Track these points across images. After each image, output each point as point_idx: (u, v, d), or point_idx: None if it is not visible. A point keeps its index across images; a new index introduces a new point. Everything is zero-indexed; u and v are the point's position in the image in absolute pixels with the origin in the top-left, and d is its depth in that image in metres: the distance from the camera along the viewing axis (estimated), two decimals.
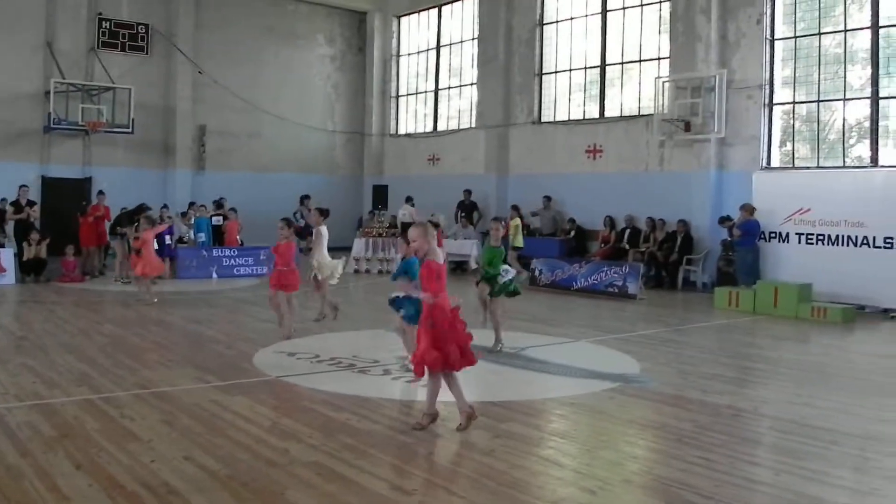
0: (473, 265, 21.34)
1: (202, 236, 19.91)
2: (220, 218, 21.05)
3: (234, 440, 6.40)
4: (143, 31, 24.99)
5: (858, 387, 9.02)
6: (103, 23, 24.25)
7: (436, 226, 7.22)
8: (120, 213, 18.96)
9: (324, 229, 11.70)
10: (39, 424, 6.74)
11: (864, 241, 15.03)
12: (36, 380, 8.39)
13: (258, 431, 6.66)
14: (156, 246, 15.94)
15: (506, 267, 10.58)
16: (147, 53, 25.16)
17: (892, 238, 14.66)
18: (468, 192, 23.96)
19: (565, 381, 8.96)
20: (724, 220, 17.59)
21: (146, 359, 9.73)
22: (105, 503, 5.05)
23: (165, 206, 20.57)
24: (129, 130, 23.51)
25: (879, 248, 14.81)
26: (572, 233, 21.55)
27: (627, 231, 20.32)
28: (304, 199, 22.94)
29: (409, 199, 23.79)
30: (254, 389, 8.16)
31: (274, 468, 5.76)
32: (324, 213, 12.15)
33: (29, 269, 17.39)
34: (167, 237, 19.07)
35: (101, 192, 20.03)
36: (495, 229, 10.71)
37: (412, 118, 28.91)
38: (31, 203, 19.04)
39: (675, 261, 18.84)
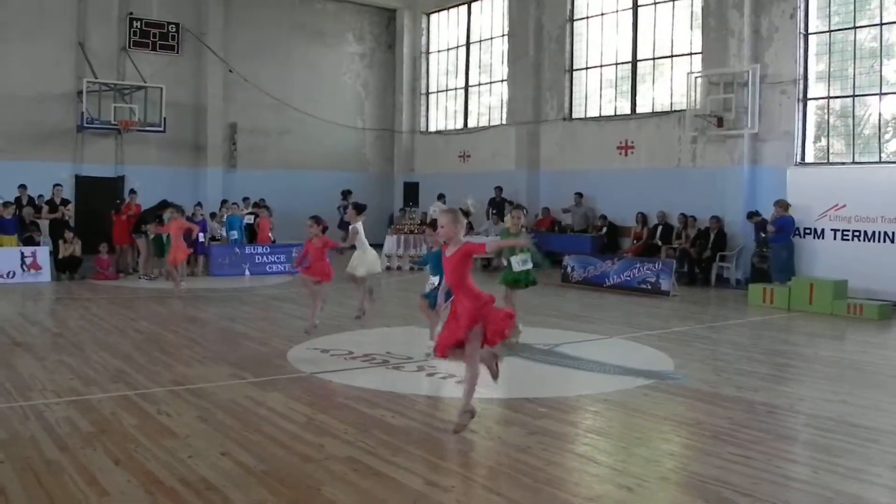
0: (504, 262, 21.32)
1: (235, 234, 20.03)
2: (253, 216, 21.19)
3: (270, 436, 6.43)
4: (174, 30, 25.20)
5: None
6: (134, 22, 24.49)
7: (466, 214, 7.06)
8: (143, 211, 19.06)
9: (359, 226, 11.56)
10: (77, 420, 6.81)
11: None
12: (73, 376, 8.48)
13: (293, 427, 6.69)
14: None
15: (524, 257, 10.48)
16: (178, 52, 25.36)
17: None
18: (499, 189, 23.94)
19: (599, 378, 8.93)
20: (752, 216, 17.44)
21: (181, 355, 9.80)
22: (144, 499, 5.08)
23: (199, 205, 20.69)
24: (161, 129, 23.72)
25: None
26: (604, 229, 21.45)
27: (660, 227, 20.21)
28: (347, 193, 23.11)
29: (440, 197, 23.79)
30: (288, 386, 8.20)
31: (310, 464, 5.78)
32: (359, 209, 11.97)
33: (64, 267, 17.58)
34: (200, 234, 19.23)
35: (132, 191, 20.21)
36: (515, 216, 10.69)
37: (442, 115, 28.92)
38: (65, 202, 19.24)
39: (708, 257, 18.70)
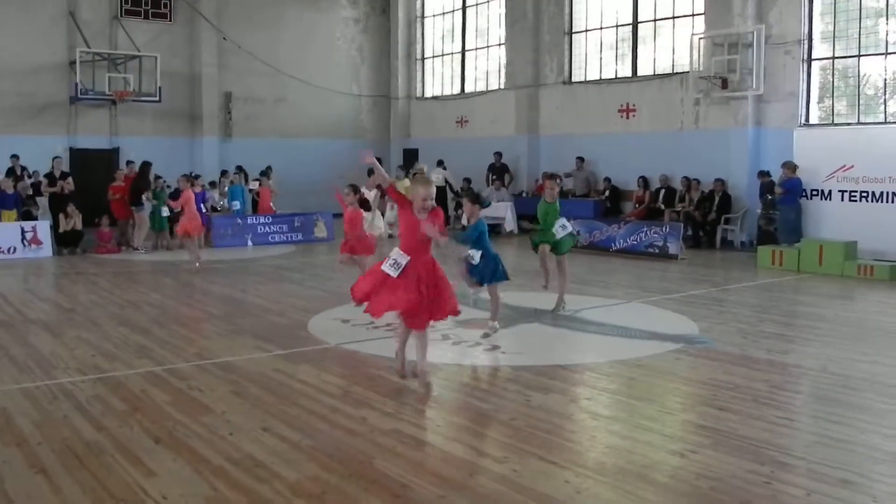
0: (508, 228, 21.26)
1: (237, 204, 19.84)
2: (257, 183, 21.01)
3: (309, 409, 6.33)
4: None
5: None
6: None
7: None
8: (135, 181, 18.46)
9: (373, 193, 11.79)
10: (108, 398, 6.69)
11: None
12: (95, 352, 8.34)
13: (331, 400, 6.59)
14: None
15: (563, 222, 10.36)
16: (170, 20, 24.98)
17: None
18: (499, 155, 23.77)
19: (628, 343, 8.85)
20: (762, 174, 17.35)
21: (201, 328, 9.69)
22: (193, 478, 4.97)
23: (197, 176, 20.44)
24: (157, 99, 23.37)
25: None
26: (607, 193, 21.33)
27: (662, 191, 20.11)
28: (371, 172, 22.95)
29: (440, 163, 23.64)
30: (316, 357, 8.09)
31: (356, 437, 5.69)
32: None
33: (65, 242, 17.37)
34: (201, 205, 19.04)
35: (129, 162, 19.99)
36: (550, 186, 10.57)
37: (439, 80, 28.62)
38: (64, 175, 18.98)
39: (713, 220, 18.63)
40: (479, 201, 9.34)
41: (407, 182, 17.98)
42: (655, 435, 5.77)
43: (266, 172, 21.61)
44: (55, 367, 7.71)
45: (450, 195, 22.82)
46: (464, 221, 9.99)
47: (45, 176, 18.86)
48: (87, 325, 9.79)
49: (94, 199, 19.82)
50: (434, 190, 6.72)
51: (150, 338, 9.05)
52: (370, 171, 13.64)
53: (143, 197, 17.89)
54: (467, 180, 23.04)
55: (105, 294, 12.26)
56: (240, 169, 21.67)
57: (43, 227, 17.17)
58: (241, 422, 6.04)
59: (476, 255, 8.76)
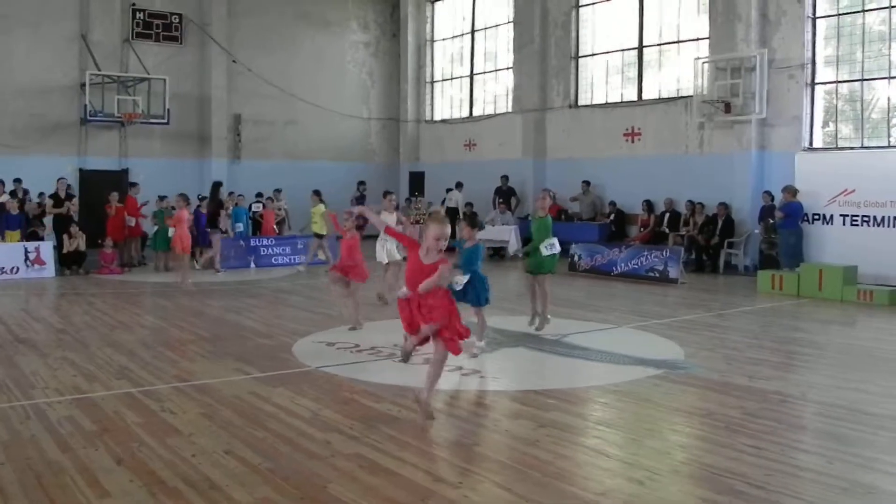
0: (511, 252, 21.23)
1: (240, 226, 19.94)
2: (261, 206, 21.12)
3: (275, 432, 6.34)
4: (177, 20, 25.09)
5: None
6: (137, 13, 24.38)
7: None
8: (213, 203, 19.00)
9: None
10: (80, 419, 6.72)
11: None
12: (76, 373, 8.39)
13: (299, 423, 6.59)
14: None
15: (552, 241, 10.39)
16: (181, 43, 25.26)
17: None
18: (505, 178, 23.81)
19: (609, 369, 8.82)
20: (767, 195, 17.30)
21: (186, 350, 9.71)
22: (146, 499, 4.98)
23: (204, 197, 20.57)
24: (165, 121, 23.60)
25: None
26: (612, 216, 21.31)
27: (667, 215, 20.07)
28: (360, 184, 23.26)
29: (458, 185, 23.95)
30: (294, 380, 8.10)
31: (315, 461, 5.69)
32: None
33: (69, 262, 17.51)
34: (207, 227, 19.16)
35: (133, 184, 20.19)
36: (542, 199, 10.65)
37: (447, 104, 28.76)
38: (69, 196, 19.15)
39: (716, 244, 18.57)
40: (477, 225, 9.46)
41: (322, 208, 18.22)
42: (617, 462, 5.73)
43: (272, 195, 21.71)
44: (34, 388, 7.75)
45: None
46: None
47: (51, 196, 19.02)
48: (74, 346, 9.84)
49: (102, 220, 19.94)
50: (448, 230, 6.57)
51: (134, 359, 9.09)
52: (385, 193, 13.93)
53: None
54: (469, 205, 23.14)
55: (98, 315, 12.33)
56: (318, 192, 21.78)
57: (46, 248, 17.31)
58: (205, 444, 6.05)
59: (462, 281, 8.81)
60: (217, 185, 19.60)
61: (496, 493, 5.12)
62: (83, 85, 22.76)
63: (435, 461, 5.72)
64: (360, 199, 23.66)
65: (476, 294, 9.04)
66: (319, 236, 18.14)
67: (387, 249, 12.92)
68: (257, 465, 5.60)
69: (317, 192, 19.21)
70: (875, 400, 7.46)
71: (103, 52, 23.63)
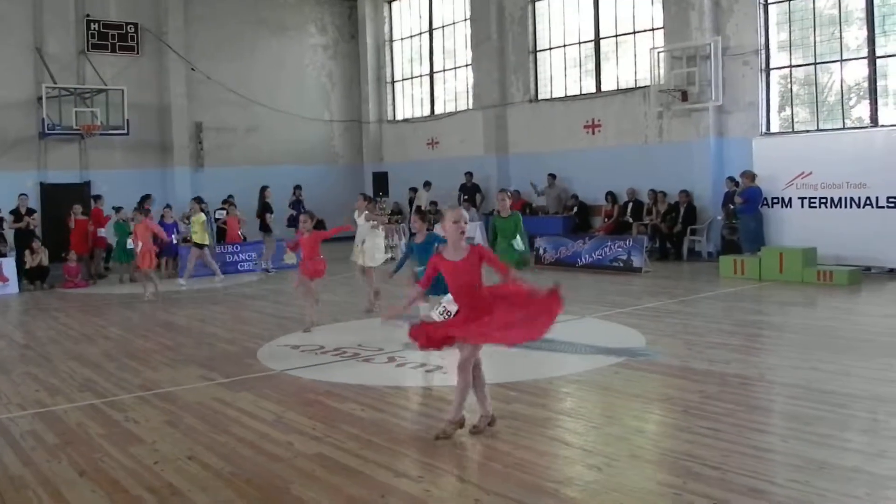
0: None
1: None
2: (224, 212, 21.03)
3: (238, 437, 6.37)
4: (133, 30, 24.87)
5: (866, 348, 8.93)
6: (91, 24, 24.13)
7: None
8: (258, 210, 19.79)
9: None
10: (42, 433, 6.72)
11: (868, 202, 14.87)
12: (39, 388, 8.37)
13: (262, 427, 6.63)
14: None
15: (517, 240, 10.53)
16: (138, 53, 25.05)
17: (895, 197, 14.52)
18: (469, 175, 23.89)
19: (571, 359, 8.91)
20: (730, 180, 17.49)
21: (150, 360, 9.69)
22: None
23: (168, 206, 20.48)
24: (125, 132, 23.42)
25: (882, 207, 14.66)
26: (575, 209, 21.44)
27: (630, 205, 20.23)
28: (297, 188, 23.35)
29: (427, 184, 24.12)
30: (258, 384, 8.13)
31: (278, 463, 5.73)
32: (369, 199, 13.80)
33: (32, 277, 17.37)
34: (173, 236, 19.08)
35: (97, 197, 20.09)
36: (501, 199, 10.74)
37: (409, 103, 28.77)
38: (30, 211, 19.01)
39: (679, 232, 18.75)
40: (428, 219, 9.58)
41: (202, 217, 17.77)
42: (576, 450, 5.82)
43: (228, 200, 21.59)
44: None
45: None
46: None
47: (11, 212, 18.86)
48: (38, 361, 9.80)
49: (64, 234, 19.78)
50: (463, 213, 6.22)
51: (98, 371, 9.08)
52: (366, 197, 13.84)
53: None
54: (434, 203, 23.28)
55: (63, 329, 12.26)
56: (199, 200, 21.62)
57: (9, 264, 17.17)
58: (168, 451, 6.07)
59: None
60: (263, 189, 20.39)
61: (457, 486, 5.19)
62: (40, 98, 22.54)
63: (396, 457, 5.77)
64: (296, 204, 23.65)
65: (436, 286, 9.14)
66: (200, 246, 17.55)
67: (365, 251, 12.66)
68: (220, 469, 5.63)
69: (197, 199, 18.89)
70: (831, 378, 7.59)
71: (59, 64, 23.43)
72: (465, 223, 6.06)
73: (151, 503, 5.06)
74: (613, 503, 4.83)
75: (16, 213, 18.83)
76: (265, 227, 19.62)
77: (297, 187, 23.59)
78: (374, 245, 12.63)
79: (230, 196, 22.09)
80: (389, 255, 18.64)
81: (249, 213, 21.24)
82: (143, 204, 17.88)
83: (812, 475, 5.14)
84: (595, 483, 5.15)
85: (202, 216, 17.87)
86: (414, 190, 24.85)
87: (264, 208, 20.07)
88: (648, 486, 5.06)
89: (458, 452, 5.88)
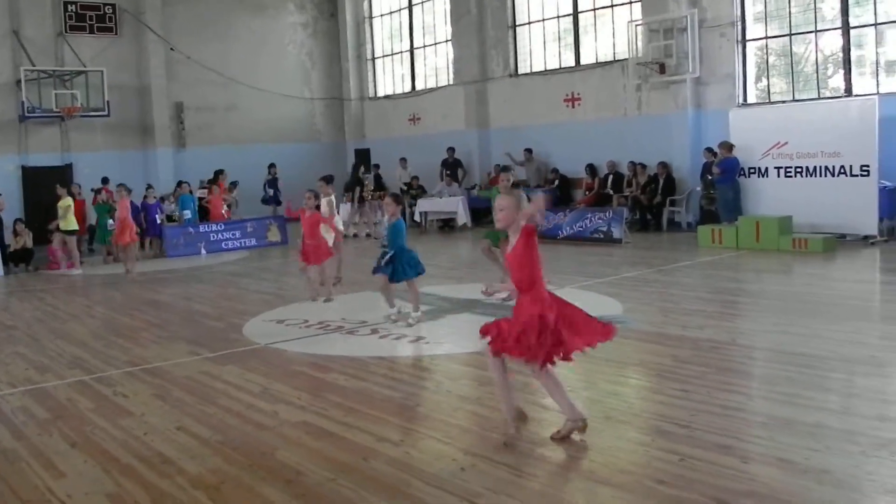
0: (460, 222, 21.49)
1: (188, 213, 19.96)
2: (206, 191, 21.14)
3: (225, 408, 6.56)
4: (111, 11, 24.77)
5: (837, 312, 9.17)
6: (69, 6, 24.00)
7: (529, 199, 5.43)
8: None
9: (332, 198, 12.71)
10: (33, 408, 6.88)
11: (842, 171, 15.12)
12: (28, 366, 8.52)
13: (248, 398, 6.82)
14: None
15: None
16: (116, 34, 24.97)
17: (867, 166, 14.75)
18: (451, 150, 24.00)
19: None
20: (708, 151, 17.68)
21: (138, 337, 9.86)
22: (100, 476, 5.19)
23: (150, 186, 20.58)
24: (105, 113, 23.42)
25: (856, 176, 14.90)
26: (556, 182, 21.62)
27: (610, 177, 20.42)
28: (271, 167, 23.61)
29: (402, 161, 24.19)
30: (244, 358, 8.31)
31: (264, 431, 5.93)
32: (328, 180, 13.64)
33: (16, 260, 17.44)
34: (157, 216, 19.21)
35: (106, 180, 20.46)
36: (504, 179, 10.96)
37: (390, 79, 28.82)
38: None
39: (658, 203, 18.97)
40: (401, 202, 9.80)
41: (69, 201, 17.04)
42: (552, 413, 6.00)
43: (216, 178, 21.69)
44: None
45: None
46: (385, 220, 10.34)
47: None
48: (25, 341, 9.94)
49: (46, 217, 19.80)
50: (502, 200, 5.49)
51: (86, 349, 9.23)
52: (329, 179, 13.95)
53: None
54: (415, 178, 23.53)
55: (49, 310, 12.39)
56: (180, 183, 21.72)
57: None
58: (157, 422, 6.26)
59: (388, 255, 9.27)
60: (357, 166, 21.55)
61: (437, 448, 5.40)
62: (19, 82, 22.49)
63: (378, 423, 5.97)
64: (272, 182, 23.83)
65: (401, 269, 9.41)
66: (68, 233, 17.06)
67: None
68: (208, 438, 5.82)
69: (63, 184, 18.43)
70: (802, 341, 7.82)
71: (37, 47, 23.34)
72: (508, 209, 5.38)
73: (142, 471, 5.24)
74: (586, 460, 5.05)
75: None
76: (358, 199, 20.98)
77: (272, 165, 23.79)
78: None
79: (223, 171, 22.13)
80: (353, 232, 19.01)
81: (245, 191, 21.47)
82: (356, 171, 21.22)
83: (776, 431, 5.38)
84: (570, 444, 5.36)
85: (69, 200, 17.44)
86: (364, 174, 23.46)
87: (356, 183, 21.61)
88: (619, 444, 5.29)
89: (439, 418, 6.09)
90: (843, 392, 6.28)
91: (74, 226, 17.24)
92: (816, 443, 5.11)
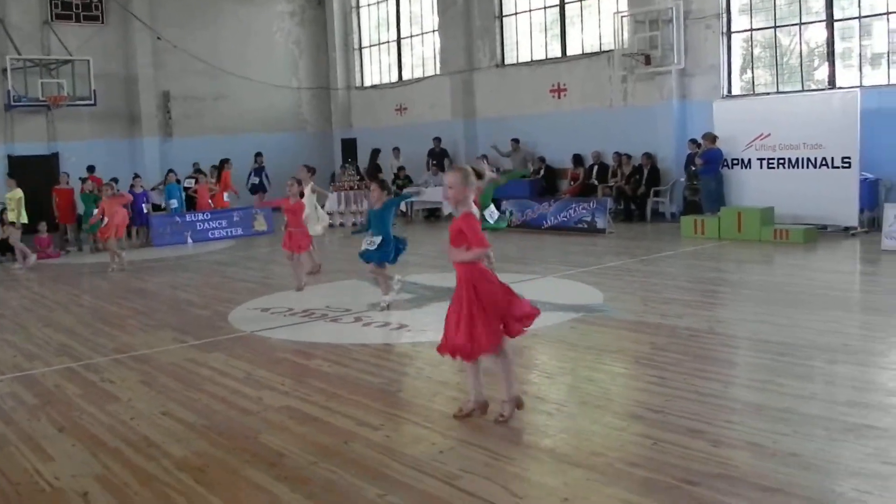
0: (446, 212, 21.58)
1: (174, 202, 20.02)
2: (193, 181, 21.19)
3: (210, 393, 6.68)
4: None
5: (815, 302, 9.32)
6: None
7: (479, 176, 6.04)
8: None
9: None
10: (22, 394, 6.98)
11: (823, 162, 15.28)
12: (16, 353, 8.62)
13: (233, 384, 6.94)
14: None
15: (492, 209, 10.91)
16: (103, 22, 24.94)
17: (849, 158, 14.92)
18: (437, 140, 24.10)
19: None
20: (693, 143, 17.82)
21: (125, 325, 9.95)
22: (88, 460, 5.31)
23: (137, 176, 20.63)
24: (92, 102, 23.42)
25: (838, 168, 15.07)
26: (541, 172, 21.74)
27: (595, 167, 20.57)
28: (258, 155, 23.73)
29: (396, 150, 24.48)
30: (229, 345, 8.42)
31: (248, 416, 6.05)
32: (312, 170, 13.71)
33: (2, 250, 17.46)
34: (143, 206, 19.24)
35: (91, 168, 20.42)
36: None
37: (377, 69, 28.87)
38: None
39: (643, 193, 19.13)
40: (387, 188, 9.96)
41: (19, 193, 17.02)
42: (530, 398, 6.14)
43: (221, 167, 21.90)
44: None
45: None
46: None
47: None
48: (13, 329, 10.03)
49: (33, 206, 19.83)
50: (449, 177, 5.73)
51: (74, 337, 9.33)
52: (312, 169, 14.01)
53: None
54: (402, 168, 23.66)
55: (38, 298, 12.47)
56: (169, 171, 21.78)
57: None
58: (143, 408, 6.38)
59: (376, 241, 9.34)
60: (375, 152, 21.77)
61: (416, 432, 5.54)
62: (4, 70, 22.46)
63: (360, 408, 6.10)
64: (258, 171, 23.91)
65: (383, 253, 9.59)
66: (13, 225, 16.84)
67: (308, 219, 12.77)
68: (193, 423, 5.94)
69: (11, 176, 18.27)
70: (778, 330, 7.96)
71: (23, 35, 23.32)
72: (453, 188, 5.59)
73: (129, 454, 5.36)
74: (560, 443, 5.19)
75: None
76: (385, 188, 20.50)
77: (259, 154, 23.88)
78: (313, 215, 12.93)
79: (228, 160, 22.23)
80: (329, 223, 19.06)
81: (232, 180, 21.64)
82: (375, 157, 21.56)
83: (747, 416, 5.53)
84: (545, 426, 5.51)
85: (19, 192, 17.33)
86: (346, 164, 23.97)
87: (376, 169, 22.21)
88: (594, 428, 5.43)
89: (419, 403, 6.22)
90: (817, 379, 6.43)
91: (24, 219, 17.17)
92: (786, 427, 5.25)
